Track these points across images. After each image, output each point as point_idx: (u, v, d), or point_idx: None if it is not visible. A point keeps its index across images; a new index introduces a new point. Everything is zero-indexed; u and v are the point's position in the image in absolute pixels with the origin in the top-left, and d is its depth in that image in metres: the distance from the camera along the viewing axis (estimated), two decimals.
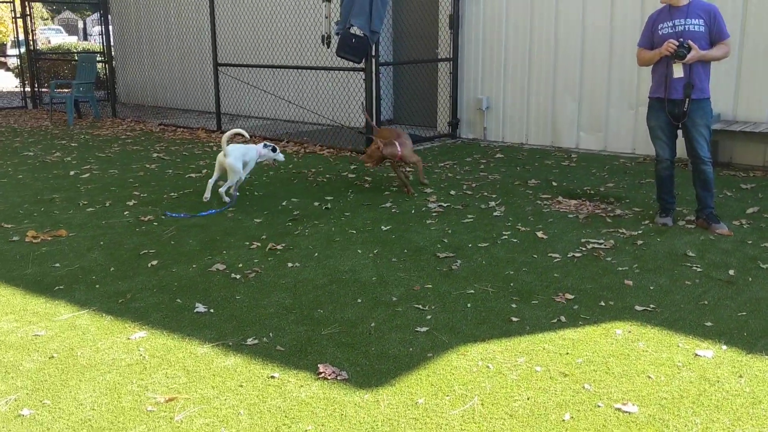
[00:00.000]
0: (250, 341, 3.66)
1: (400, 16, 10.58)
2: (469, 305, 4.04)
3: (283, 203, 6.41)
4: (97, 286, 4.48)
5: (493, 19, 9.17)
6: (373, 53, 8.29)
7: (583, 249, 4.94)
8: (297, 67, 9.88)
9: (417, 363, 3.38)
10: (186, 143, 9.88)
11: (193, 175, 7.67)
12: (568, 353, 3.44)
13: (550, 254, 4.85)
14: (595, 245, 5.00)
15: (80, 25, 40.66)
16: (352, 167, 7.93)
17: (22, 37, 14.96)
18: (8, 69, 14.93)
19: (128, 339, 3.71)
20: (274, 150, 6.79)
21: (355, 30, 8.01)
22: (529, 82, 9.00)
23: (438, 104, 9.92)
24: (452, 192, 6.67)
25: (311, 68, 9.41)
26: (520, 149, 8.88)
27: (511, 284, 4.34)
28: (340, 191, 6.79)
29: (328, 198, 6.55)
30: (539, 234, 5.29)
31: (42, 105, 14.57)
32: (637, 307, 3.95)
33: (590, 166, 7.68)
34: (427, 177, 7.12)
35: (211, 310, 4.07)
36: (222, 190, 6.40)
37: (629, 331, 3.66)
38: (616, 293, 4.17)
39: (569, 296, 4.12)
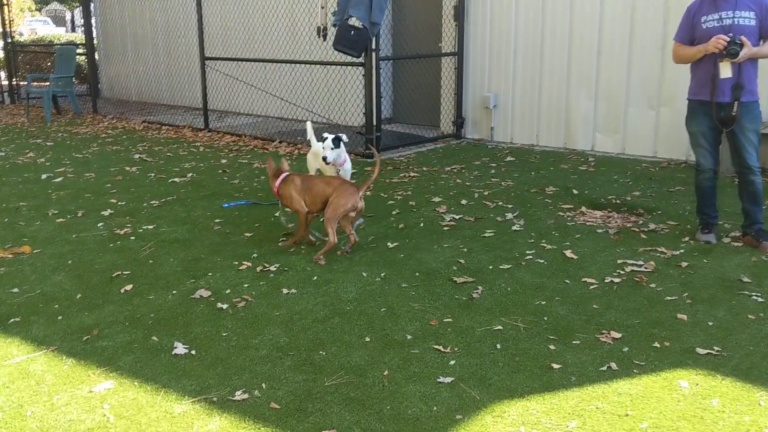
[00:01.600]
0: (238, 395, 3.02)
1: (401, 7, 9.91)
2: (498, 346, 3.41)
3: (276, 213, 5.75)
4: (60, 318, 3.82)
5: (502, 10, 8.52)
6: (373, 47, 7.63)
7: (621, 272, 4.32)
8: (290, 62, 9.22)
9: (444, 429, 2.75)
10: (170, 143, 9.19)
11: (177, 179, 7.00)
12: (627, 414, 2.81)
13: (584, 279, 4.22)
14: (635, 268, 4.38)
15: (68, 16, 39.73)
16: (351, 172, 7.25)
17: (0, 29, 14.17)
18: None
19: (91, 392, 3.07)
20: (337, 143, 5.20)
21: (354, 21, 7.36)
22: (541, 78, 8.36)
23: (441, 102, 9.26)
24: (463, 201, 6.02)
25: (305, 63, 8.76)
26: (531, 151, 8.24)
27: (545, 318, 3.71)
28: None
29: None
30: (568, 253, 4.66)
31: (20, 100, 13.82)
32: (699, 350, 3.33)
33: (611, 172, 7.05)
34: (301, 243, 4.95)
35: (193, 352, 3.43)
36: None
37: (697, 384, 3.04)
38: (671, 331, 3.55)
39: (616, 335, 3.50)
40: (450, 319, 3.72)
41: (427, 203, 5.99)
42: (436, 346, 3.41)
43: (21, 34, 24.83)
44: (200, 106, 10.27)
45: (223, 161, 7.92)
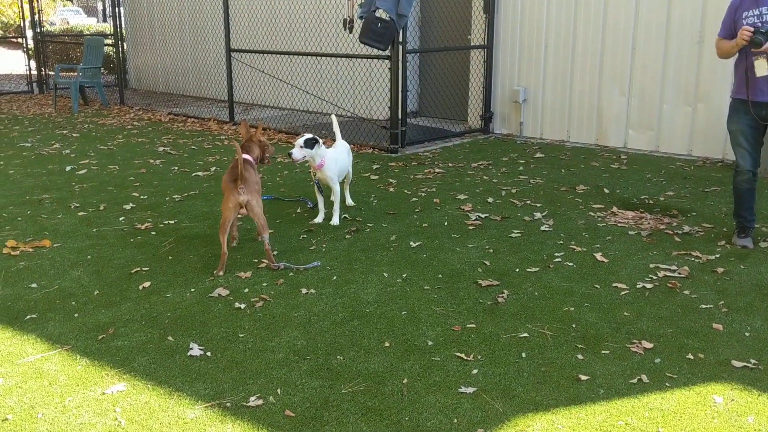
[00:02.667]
0: (252, 401, 2.93)
1: None
2: (524, 355, 3.27)
3: (298, 210, 5.67)
4: (76, 315, 3.76)
5: (534, 2, 8.31)
6: (400, 39, 7.49)
7: (654, 277, 4.15)
8: (316, 54, 9.11)
9: None
10: (195, 135, 9.15)
11: (200, 173, 6.94)
12: None
13: (614, 284, 4.06)
14: (667, 273, 4.21)
15: (99, 6, 40.05)
16: (375, 167, 7.15)
17: (30, 18, 14.26)
18: (26, 51, 14.42)
19: (103, 394, 3.00)
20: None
21: (381, 13, 7.22)
22: (572, 72, 8.15)
23: (469, 96, 9.09)
24: (489, 199, 5.87)
25: (331, 55, 8.64)
26: (562, 148, 8.04)
27: (573, 325, 3.56)
28: (360, 196, 6.02)
29: (348, 204, 5.79)
30: (598, 256, 4.49)
31: (48, 90, 13.90)
32: (735, 363, 3.17)
33: (644, 170, 6.84)
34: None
35: (208, 354, 3.34)
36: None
37: (732, 399, 2.88)
38: (705, 341, 3.38)
39: (647, 345, 3.34)
40: (473, 325, 3.59)
41: (451, 201, 5.85)
42: (459, 354, 3.29)
43: (53, 24, 25.08)
44: (226, 98, 10.22)
45: None
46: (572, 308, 3.76)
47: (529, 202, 5.78)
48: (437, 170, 6.95)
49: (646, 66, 7.57)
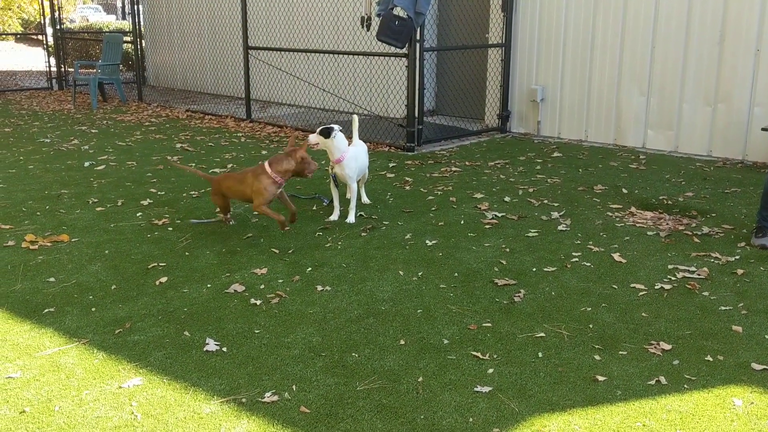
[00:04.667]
0: (268, 396, 2.93)
1: None
2: (540, 355, 3.25)
3: (314, 207, 5.67)
4: (93, 309, 3.79)
5: (552, 0, 8.25)
6: (418, 37, 7.47)
7: (672, 278, 4.10)
8: (333, 52, 9.11)
9: None
10: (213, 132, 9.19)
11: (217, 170, 6.96)
12: None
13: (632, 285, 4.02)
14: (686, 274, 4.16)
15: (119, 3, 40.30)
16: (391, 165, 7.15)
17: (50, 15, 14.39)
18: (45, 47, 14.62)
19: (120, 388, 3.01)
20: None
21: (399, 11, 7.21)
22: (591, 71, 8.09)
23: (487, 95, 9.06)
24: (506, 198, 5.85)
25: (348, 53, 8.64)
26: (580, 147, 7.99)
27: (590, 326, 3.53)
28: (376, 194, 6.02)
29: (364, 203, 5.78)
30: (616, 256, 4.46)
31: (68, 86, 14.03)
32: (755, 366, 3.13)
33: (662, 170, 6.77)
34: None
35: (224, 349, 3.35)
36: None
37: (752, 402, 2.85)
38: (724, 343, 3.34)
39: (665, 346, 3.30)
40: (489, 324, 3.57)
41: (468, 199, 5.83)
42: (474, 353, 3.27)
43: (73, 21, 25.27)
44: (243, 96, 10.25)
45: (264, 152, 7.87)
46: (589, 308, 3.73)
47: (546, 201, 5.74)
48: (454, 169, 6.93)
49: (666, 65, 7.49)
